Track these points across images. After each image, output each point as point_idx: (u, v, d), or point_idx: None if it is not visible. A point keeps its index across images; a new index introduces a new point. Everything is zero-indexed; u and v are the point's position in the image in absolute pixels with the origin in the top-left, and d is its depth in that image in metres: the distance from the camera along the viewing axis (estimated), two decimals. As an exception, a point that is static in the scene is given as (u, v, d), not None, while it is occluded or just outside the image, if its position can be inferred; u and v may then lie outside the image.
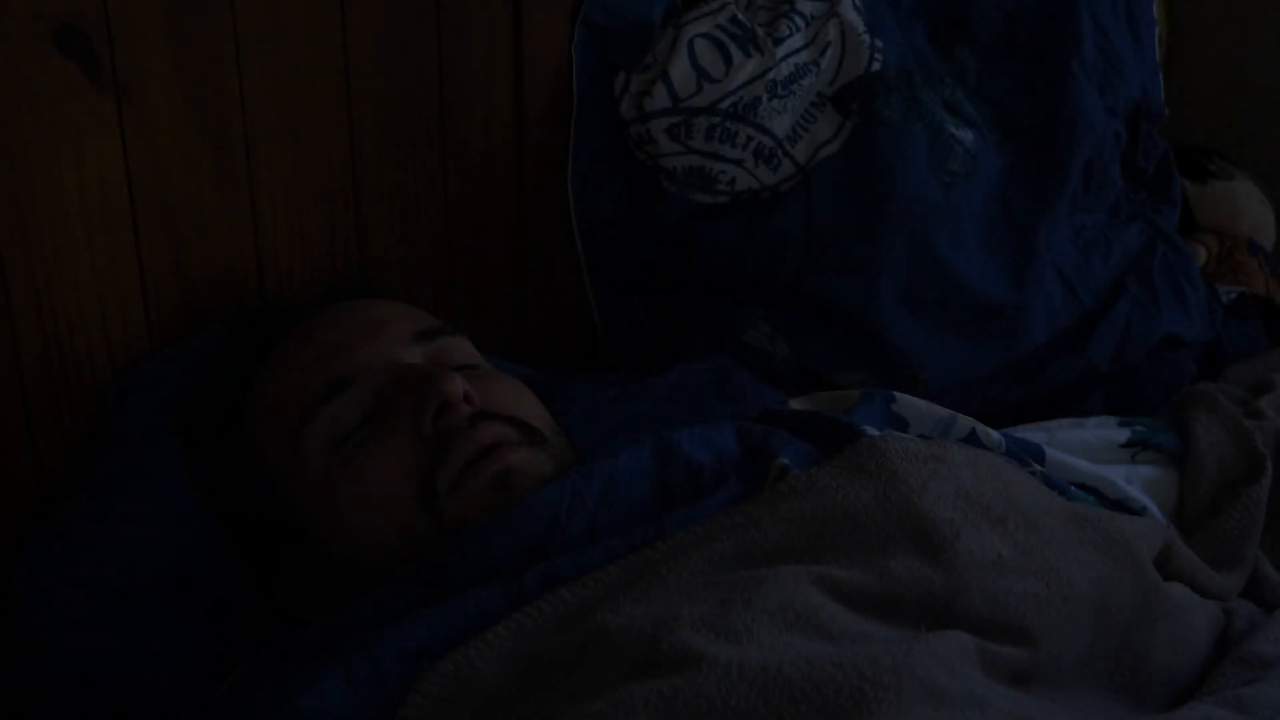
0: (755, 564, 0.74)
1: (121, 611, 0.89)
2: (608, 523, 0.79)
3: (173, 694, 0.86)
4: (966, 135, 1.26)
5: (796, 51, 1.23)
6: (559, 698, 0.66)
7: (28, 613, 0.89)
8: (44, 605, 0.89)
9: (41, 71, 0.90)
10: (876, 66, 1.23)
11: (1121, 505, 0.98)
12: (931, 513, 0.76)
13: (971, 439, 0.95)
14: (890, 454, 0.81)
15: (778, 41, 1.22)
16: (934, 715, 0.60)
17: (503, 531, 0.79)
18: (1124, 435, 1.08)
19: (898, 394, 1.02)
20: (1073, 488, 0.95)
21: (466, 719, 0.69)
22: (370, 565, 0.84)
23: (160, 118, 0.98)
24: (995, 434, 0.96)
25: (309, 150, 1.08)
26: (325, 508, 0.85)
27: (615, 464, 0.82)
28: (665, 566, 0.74)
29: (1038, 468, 0.94)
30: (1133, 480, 1.03)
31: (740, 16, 1.24)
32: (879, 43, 1.24)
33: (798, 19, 1.25)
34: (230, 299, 1.05)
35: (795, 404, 1.07)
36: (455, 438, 0.83)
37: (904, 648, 0.64)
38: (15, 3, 0.88)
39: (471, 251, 1.22)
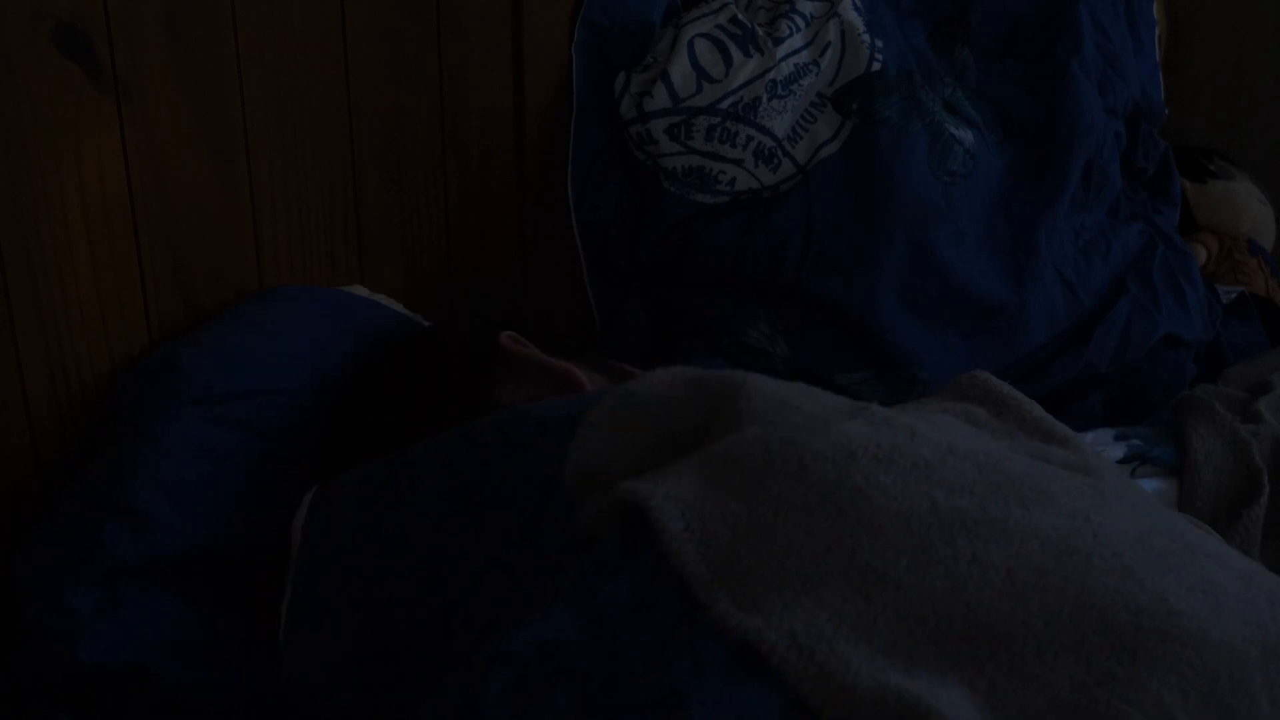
0: None
1: (125, 600, 0.89)
2: None
3: (177, 682, 0.86)
4: (966, 135, 1.25)
5: (796, 51, 1.23)
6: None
7: (30, 604, 0.89)
8: (47, 596, 0.89)
9: (41, 71, 0.90)
10: (876, 66, 1.23)
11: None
12: None
13: None
14: None
15: (778, 41, 1.22)
16: None
17: None
18: (1121, 451, 1.08)
19: None
20: None
21: (633, 424, 0.73)
22: None
23: (160, 118, 0.98)
24: None
25: (309, 150, 1.08)
26: None
27: None
28: None
29: None
30: (1132, 494, 1.03)
31: (740, 16, 1.24)
32: (879, 43, 1.24)
33: (798, 19, 1.25)
34: (230, 299, 1.05)
35: None
36: None
37: None
38: (15, 3, 0.88)
39: (471, 251, 1.22)
